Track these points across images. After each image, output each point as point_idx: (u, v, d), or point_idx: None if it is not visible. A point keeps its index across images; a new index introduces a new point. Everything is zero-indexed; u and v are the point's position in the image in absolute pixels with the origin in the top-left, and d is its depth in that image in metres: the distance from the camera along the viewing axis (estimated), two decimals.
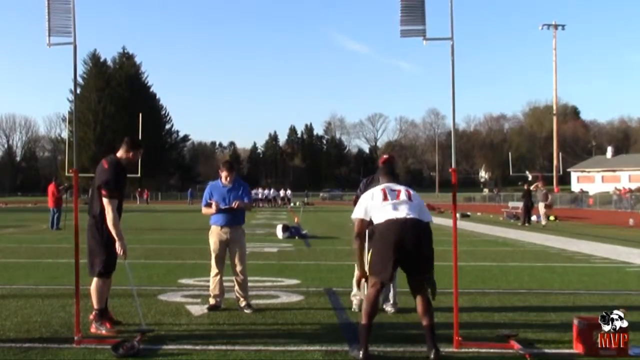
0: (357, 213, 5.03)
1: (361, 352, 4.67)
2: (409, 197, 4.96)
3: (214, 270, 6.84)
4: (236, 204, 6.81)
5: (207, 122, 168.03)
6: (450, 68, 5.27)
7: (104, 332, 5.54)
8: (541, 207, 23.92)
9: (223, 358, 4.81)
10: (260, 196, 51.01)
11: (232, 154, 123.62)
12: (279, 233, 17.41)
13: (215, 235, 6.89)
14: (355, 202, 6.98)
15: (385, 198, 4.94)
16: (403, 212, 4.81)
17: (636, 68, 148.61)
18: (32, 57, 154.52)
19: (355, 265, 6.32)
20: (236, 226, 6.93)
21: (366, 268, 5.00)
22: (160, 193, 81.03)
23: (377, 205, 4.92)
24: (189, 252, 12.99)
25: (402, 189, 5.05)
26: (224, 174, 7.00)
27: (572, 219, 30.40)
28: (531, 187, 26.89)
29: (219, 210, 6.78)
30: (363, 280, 6.68)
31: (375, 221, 4.91)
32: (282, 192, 58.10)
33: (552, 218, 30.08)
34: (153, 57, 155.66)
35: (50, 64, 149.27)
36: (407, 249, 4.70)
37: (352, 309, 6.67)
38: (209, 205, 6.93)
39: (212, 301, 6.74)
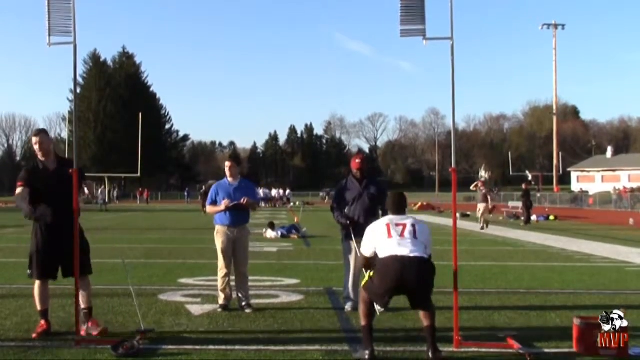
0: (364, 250, 5.05)
1: (367, 353, 4.68)
2: (414, 234, 4.84)
3: (222, 270, 6.81)
4: (245, 200, 6.81)
5: (207, 122, 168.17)
6: (450, 68, 5.27)
7: (33, 335, 5.36)
8: (479, 208, 22.51)
9: (223, 358, 4.81)
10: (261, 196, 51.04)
11: (232, 153, 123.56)
12: (269, 233, 17.34)
13: (222, 234, 6.88)
14: (332, 208, 7.02)
15: (389, 235, 4.83)
16: (407, 249, 4.72)
17: (636, 68, 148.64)
18: (32, 57, 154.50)
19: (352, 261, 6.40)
20: (242, 225, 6.95)
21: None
22: (160, 193, 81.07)
23: (381, 242, 4.85)
24: (189, 252, 12.99)
25: (407, 223, 4.92)
26: (227, 164, 7.06)
27: (572, 219, 30.39)
28: (471, 187, 25.55)
29: (227, 208, 6.77)
30: (351, 287, 6.74)
31: (380, 255, 4.85)
32: (280, 192, 58.10)
33: (552, 218, 30.10)
34: (153, 57, 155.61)
35: (50, 64, 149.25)
36: (408, 286, 4.67)
37: (345, 310, 6.69)
38: (214, 203, 6.93)
39: (222, 301, 6.73)
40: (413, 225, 4.91)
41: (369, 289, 4.85)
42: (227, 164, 7.09)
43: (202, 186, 40.64)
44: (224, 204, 6.79)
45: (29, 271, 5.54)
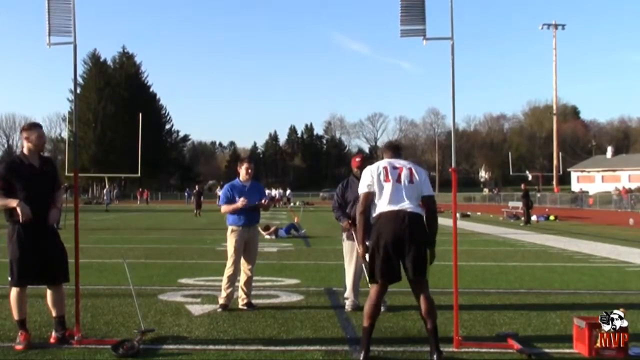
0: (362, 188, 4.93)
1: (361, 355, 4.67)
2: (411, 178, 4.86)
3: (231, 269, 6.83)
4: (266, 201, 6.99)
5: (207, 122, 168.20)
6: (450, 68, 5.27)
7: (17, 347, 5.02)
8: None
9: (223, 358, 4.81)
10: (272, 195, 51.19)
11: (232, 154, 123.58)
12: (264, 235, 17.23)
13: (236, 234, 6.90)
14: (333, 208, 7.05)
15: (387, 178, 4.85)
16: (402, 203, 4.76)
17: (636, 68, 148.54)
18: (32, 57, 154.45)
19: (356, 241, 6.26)
20: (254, 225, 7.08)
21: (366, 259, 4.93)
22: (160, 193, 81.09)
23: (379, 183, 4.86)
24: (189, 252, 12.99)
25: (404, 166, 4.93)
26: (244, 165, 7.08)
27: (572, 219, 30.39)
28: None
29: (246, 206, 6.80)
30: (351, 287, 6.74)
31: (376, 202, 4.86)
32: (280, 192, 58.20)
33: (552, 218, 30.10)
34: (153, 57, 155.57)
35: (50, 64, 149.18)
36: (404, 246, 4.67)
37: (345, 309, 6.69)
38: (230, 202, 6.94)
39: (223, 301, 6.73)
40: (410, 169, 4.92)
41: (372, 269, 4.78)
42: (246, 165, 7.07)
43: (196, 186, 39.61)
44: (241, 202, 6.81)
45: (9, 278, 5.16)
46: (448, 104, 5.39)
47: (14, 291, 5.17)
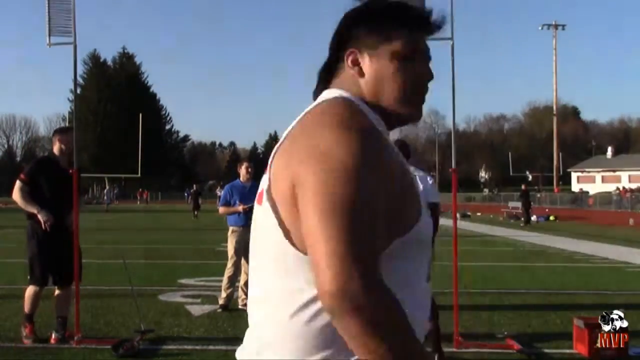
0: None
1: None
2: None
3: (230, 269, 6.84)
4: None
5: (207, 122, 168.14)
6: (451, 69, 5.28)
7: (25, 341, 5.18)
8: None
9: (223, 358, 4.81)
10: None
11: (232, 154, 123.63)
12: None
13: (237, 235, 6.91)
14: None
15: None
16: None
17: (636, 68, 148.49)
18: (32, 57, 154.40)
19: None
20: None
21: None
22: (160, 193, 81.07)
23: None
24: (189, 252, 12.99)
25: (417, 177, 4.87)
26: (244, 165, 7.09)
27: (572, 219, 30.39)
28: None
29: (245, 210, 6.79)
30: None
31: None
32: None
33: (552, 218, 30.11)
34: (153, 57, 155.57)
35: (50, 64, 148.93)
36: None
37: None
38: (228, 204, 6.95)
39: (223, 301, 6.75)
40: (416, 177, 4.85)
41: None
42: (245, 164, 7.10)
43: (194, 185, 39.18)
44: (240, 207, 6.81)
45: (28, 277, 5.31)
46: (448, 105, 5.44)
47: (32, 289, 5.27)
